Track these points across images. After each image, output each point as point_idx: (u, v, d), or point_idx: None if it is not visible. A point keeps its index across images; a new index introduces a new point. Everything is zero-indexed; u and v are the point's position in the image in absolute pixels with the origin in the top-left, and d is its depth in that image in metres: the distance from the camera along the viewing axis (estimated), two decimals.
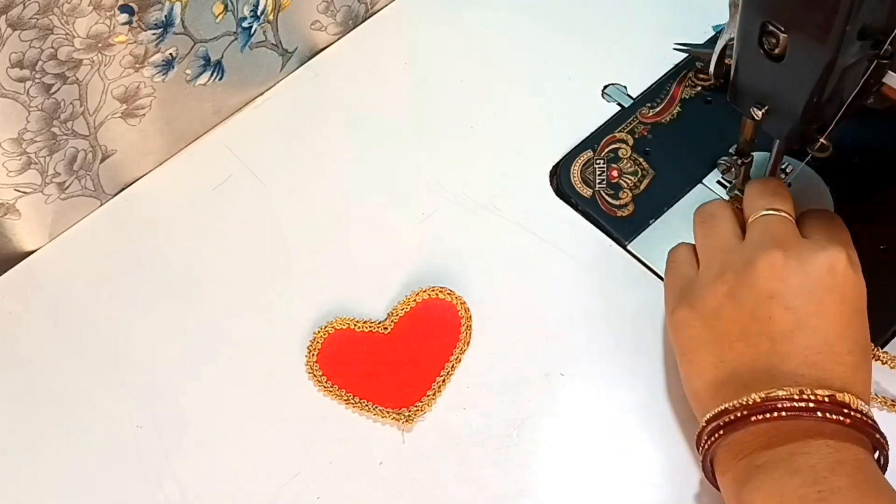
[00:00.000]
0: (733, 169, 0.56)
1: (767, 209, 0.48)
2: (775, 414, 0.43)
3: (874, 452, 0.44)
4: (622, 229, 0.58)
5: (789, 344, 0.44)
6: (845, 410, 0.42)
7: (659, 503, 0.50)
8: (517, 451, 0.52)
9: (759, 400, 0.43)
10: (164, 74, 0.59)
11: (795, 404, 0.42)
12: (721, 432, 0.44)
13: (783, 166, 0.55)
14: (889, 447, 0.44)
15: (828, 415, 0.42)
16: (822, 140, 0.49)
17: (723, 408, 0.44)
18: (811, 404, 0.42)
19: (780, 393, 0.43)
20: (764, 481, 0.42)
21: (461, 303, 0.56)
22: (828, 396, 0.42)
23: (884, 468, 0.44)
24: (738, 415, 0.43)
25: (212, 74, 0.62)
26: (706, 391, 0.46)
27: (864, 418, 0.43)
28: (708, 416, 0.45)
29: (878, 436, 0.43)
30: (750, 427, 0.43)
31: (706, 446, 0.45)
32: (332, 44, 0.69)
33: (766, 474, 0.42)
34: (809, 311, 0.45)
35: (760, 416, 0.43)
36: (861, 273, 0.46)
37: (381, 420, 0.53)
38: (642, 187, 0.60)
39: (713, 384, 0.46)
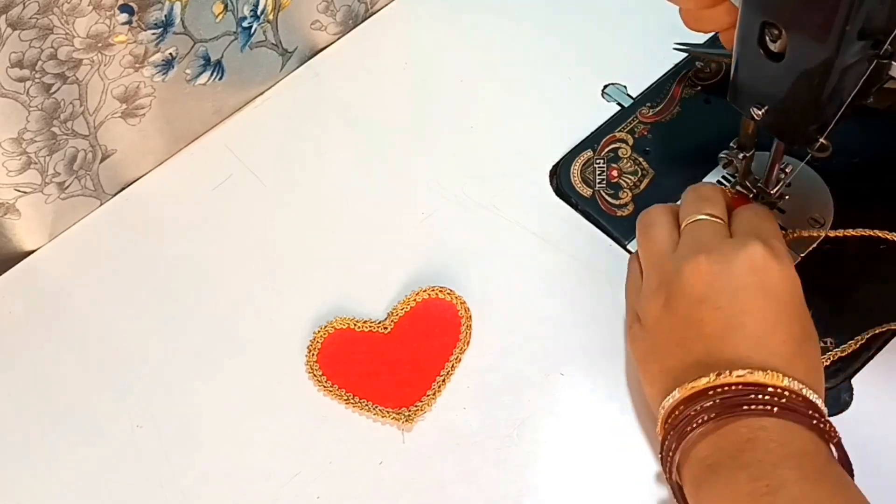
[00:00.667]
0: (734, 162, 0.56)
1: (698, 214, 0.49)
2: (707, 403, 0.43)
3: (827, 444, 0.43)
4: (622, 229, 0.58)
5: (722, 344, 0.45)
6: (769, 390, 0.43)
7: (659, 503, 0.50)
8: (517, 451, 0.52)
9: (686, 394, 0.44)
10: (164, 74, 0.59)
11: (718, 389, 0.43)
12: (669, 435, 0.45)
13: (783, 166, 0.55)
14: (837, 436, 0.43)
15: (753, 395, 0.43)
16: (821, 140, 0.49)
17: (662, 411, 0.45)
18: (735, 386, 0.43)
19: (702, 381, 0.44)
20: (716, 480, 0.43)
21: (461, 302, 0.56)
22: (744, 375, 0.43)
23: (842, 460, 0.44)
24: (677, 412, 0.44)
25: (212, 74, 0.62)
26: (657, 396, 0.47)
27: (798, 398, 0.43)
28: (662, 405, 0.46)
29: (820, 423, 0.43)
30: (696, 429, 0.44)
31: (666, 461, 0.45)
32: (332, 43, 0.69)
33: (716, 473, 0.43)
34: (736, 311, 0.45)
35: (695, 407, 0.43)
36: (788, 262, 0.47)
37: (381, 420, 0.53)
38: (642, 187, 0.60)
39: (661, 392, 0.47)
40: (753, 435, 0.43)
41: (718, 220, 0.49)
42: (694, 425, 0.44)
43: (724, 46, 0.50)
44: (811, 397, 0.43)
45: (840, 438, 0.44)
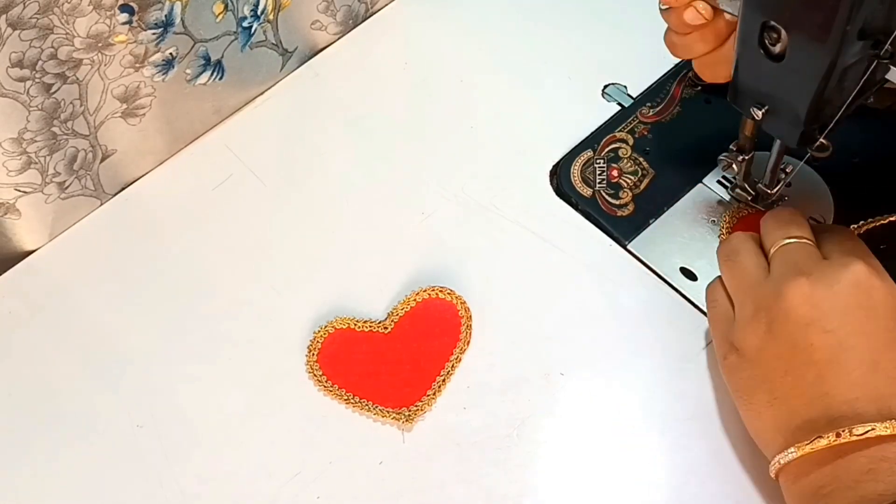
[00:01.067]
0: (734, 165, 0.56)
1: (786, 238, 0.48)
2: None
3: None
4: (622, 229, 0.58)
5: (835, 367, 0.44)
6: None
7: (659, 503, 0.50)
8: (517, 451, 0.52)
9: (827, 444, 0.43)
10: (164, 74, 0.59)
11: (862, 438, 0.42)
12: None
13: (783, 166, 0.55)
14: None
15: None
16: (822, 140, 0.49)
17: (775, 465, 0.45)
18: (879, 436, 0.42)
19: (822, 442, 0.43)
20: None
21: (461, 302, 0.56)
22: (867, 434, 0.42)
23: None
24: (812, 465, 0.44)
25: (212, 74, 0.62)
26: (767, 432, 0.46)
27: None
28: (778, 461, 0.45)
29: None
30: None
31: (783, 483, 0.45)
32: (332, 43, 0.69)
33: (833, 501, 0.42)
34: (848, 331, 0.44)
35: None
36: (888, 279, 0.46)
37: (381, 420, 0.53)
38: (642, 187, 0.60)
39: (772, 424, 0.46)
40: (875, 466, 0.42)
41: (809, 242, 0.48)
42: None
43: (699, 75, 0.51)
44: None
45: None
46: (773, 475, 0.46)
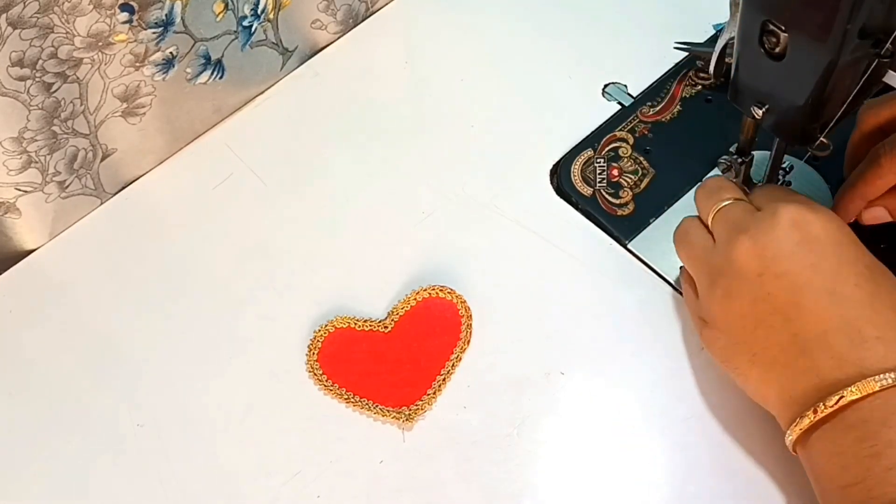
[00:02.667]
0: (733, 168, 0.56)
1: (720, 203, 0.49)
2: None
3: None
4: (622, 228, 0.58)
5: (797, 306, 0.45)
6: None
7: (659, 503, 0.50)
8: (517, 451, 0.52)
9: (829, 409, 0.43)
10: (164, 73, 0.59)
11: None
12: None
13: (783, 165, 0.55)
14: None
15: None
16: (822, 139, 0.49)
17: (799, 423, 0.45)
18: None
19: (850, 397, 0.43)
20: (823, 441, 0.43)
21: (461, 301, 0.56)
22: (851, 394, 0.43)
23: None
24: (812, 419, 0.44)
25: (212, 73, 0.62)
26: (759, 390, 0.47)
27: None
28: (789, 431, 0.45)
29: None
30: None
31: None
32: (332, 43, 0.69)
33: (823, 434, 0.43)
34: (798, 269, 0.45)
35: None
36: (823, 209, 0.47)
37: (381, 419, 0.53)
38: (642, 186, 0.60)
39: (761, 379, 0.47)
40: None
41: (739, 200, 0.49)
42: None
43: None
44: None
45: None
46: (791, 443, 0.46)
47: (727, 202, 0.49)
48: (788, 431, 0.45)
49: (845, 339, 0.44)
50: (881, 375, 0.42)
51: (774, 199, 0.48)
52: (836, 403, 0.43)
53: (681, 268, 0.54)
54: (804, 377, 0.44)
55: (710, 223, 0.50)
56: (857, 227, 0.56)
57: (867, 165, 0.52)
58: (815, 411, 0.43)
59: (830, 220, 0.46)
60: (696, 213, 0.52)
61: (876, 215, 0.53)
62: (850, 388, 0.42)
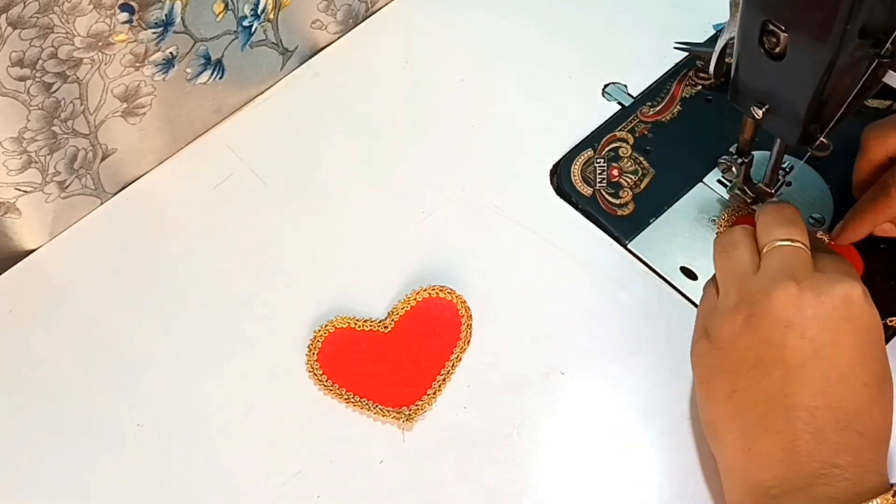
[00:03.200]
0: (733, 168, 0.56)
1: (783, 239, 0.48)
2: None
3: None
4: (622, 228, 0.58)
5: (804, 373, 0.44)
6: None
7: (659, 503, 0.50)
8: (517, 450, 0.52)
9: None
10: (164, 73, 0.59)
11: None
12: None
13: (784, 164, 0.55)
14: None
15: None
16: (822, 139, 0.49)
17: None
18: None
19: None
20: None
21: (461, 301, 0.56)
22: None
23: None
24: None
25: (212, 73, 0.62)
26: (721, 422, 0.47)
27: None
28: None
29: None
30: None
31: None
32: (332, 43, 0.69)
33: (783, 502, 0.43)
34: (825, 341, 0.45)
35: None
36: (875, 309, 0.46)
37: (381, 419, 0.53)
38: (642, 186, 0.60)
39: (728, 414, 0.46)
40: (826, 471, 0.42)
41: (804, 248, 0.48)
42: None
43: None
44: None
45: None
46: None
47: (794, 244, 0.48)
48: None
49: (832, 422, 0.43)
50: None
51: (839, 270, 0.48)
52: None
53: (711, 278, 0.53)
54: (774, 437, 0.44)
55: (764, 250, 0.49)
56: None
57: (877, 194, 0.52)
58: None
59: (877, 321, 0.46)
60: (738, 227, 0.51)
61: (883, 229, 0.54)
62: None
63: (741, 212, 0.58)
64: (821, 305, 0.45)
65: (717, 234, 0.57)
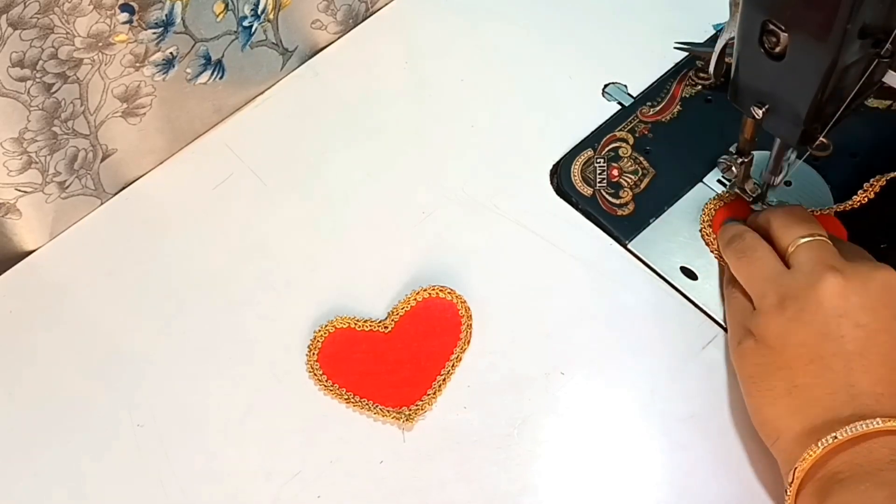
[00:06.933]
0: (733, 168, 0.56)
1: (804, 235, 0.49)
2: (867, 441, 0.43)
3: None
4: (622, 228, 0.58)
5: (864, 360, 0.45)
6: None
7: (659, 503, 0.50)
8: (517, 451, 0.52)
9: (848, 437, 0.43)
10: (164, 73, 0.59)
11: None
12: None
13: (786, 159, 0.55)
14: None
15: None
16: (821, 139, 0.49)
17: (816, 452, 0.44)
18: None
19: (870, 425, 0.43)
20: (849, 495, 0.42)
21: (461, 302, 0.56)
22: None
23: None
24: (829, 453, 0.44)
25: (212, 73, 0.62)
26: (781, 419, 0.46)
27: None
28: (803, 461, 0.44)
29: None
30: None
31: (796, 480, 0.45)
32: (332, 43, 0.69)
33: (848, 489, 0.42)
34: (877, 328, 0.45)
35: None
36: None
37: (381, 419, 0.53)
38: (643, 186, 0.60)
39: (788, 411, 0.46)
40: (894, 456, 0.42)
41: (828, 241, 0.49)
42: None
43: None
44: None
45: None
46: (794, 475, 0.45)
47: (818, 238, 0.49)
48: (805, 455, 0.44)
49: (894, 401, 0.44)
50: None
51: (867, 258, 0.48)
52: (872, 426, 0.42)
53: (727, 278, 0.54)
54: (843, 429, 0.44)
55: (790, 250, 0.49)
56: (858, 227, 0.56)
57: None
58: (844, 433, 0.43)
59: None
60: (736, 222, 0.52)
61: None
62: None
63: (722, 202, 0.57)
64: (866, 293, 0.46)
65: (700, 230, 0.57)
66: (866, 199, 0.56)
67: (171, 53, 0.59)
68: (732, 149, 0.56)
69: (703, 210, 0.58)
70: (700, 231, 0.57)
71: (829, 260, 0.47)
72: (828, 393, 0.45)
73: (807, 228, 0.50)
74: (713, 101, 0.63)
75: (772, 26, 0.44)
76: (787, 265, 0.49)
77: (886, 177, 0.56)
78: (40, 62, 0.53)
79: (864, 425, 0.43)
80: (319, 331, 0.55)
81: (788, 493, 0.45)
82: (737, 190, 0.58)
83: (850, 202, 0.56)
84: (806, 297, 0.46)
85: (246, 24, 0.62)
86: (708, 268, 0.56)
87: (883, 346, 0.45)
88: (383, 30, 0.70)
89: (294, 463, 0.52)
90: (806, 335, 0.46)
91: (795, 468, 0.44)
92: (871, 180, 0.56)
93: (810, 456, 0.44)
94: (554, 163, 0.62)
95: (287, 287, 0.58)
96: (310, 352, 0.55)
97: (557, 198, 0.61)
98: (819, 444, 0.44)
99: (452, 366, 0.54)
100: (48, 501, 0.53)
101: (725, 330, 0.54)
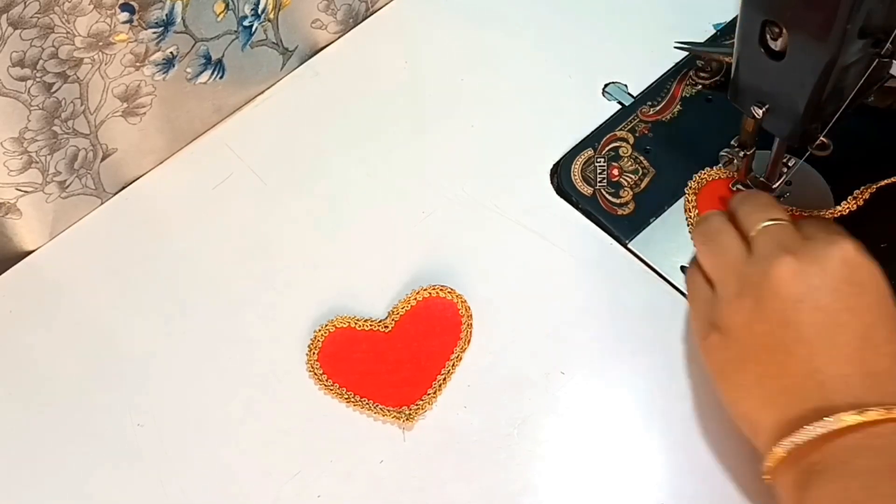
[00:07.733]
0: (735, 160, 0.56)
1: (767, 220, 0.48)
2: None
3: None
4: (623, 228, 0.58)
5: (827, 343, 0.44)
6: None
7: (659, 503, 0.50)
8: (517, 450, 0.52)
9: (823, 433, 0.43)
10: (164, 73, 0.59)
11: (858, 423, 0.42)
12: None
13: (785, 160, 0.55)
14: None
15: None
16: (822, 138, 0.49)
17: (791, 444, 0.44)
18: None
19: (816, 430, 0.43)
20: (830, 486, 0.42)
21: (462, 301, 0.56)
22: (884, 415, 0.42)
23: None
24: (806, 444, 0.43)
25: (212, 73, 0.62)
26: (756, 412, 0.46)
27: None
28: (777, 452, 0.44)
29: None
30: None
31: (774, 472, 0.45)
32: (332, 42, 0.69)
33: (828, 478, 0.42)
34: (838, 308, 0.44)
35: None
36: (871, 258, 0.46)
37: (381, 418, 0.53)
38: (643, 186, 0.60)
39: (761, 402, 0.46)
40: (869, 442, 0.42)
41: (788, 223, 0.48)
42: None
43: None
44: None
45: None
46: (769, 467, 0.45)
47: (779, 222, 0.48)
48: (778, 444, 0.44)
49: (866, 384, 0.43)
50: None
51: (827, 231, 0.47)
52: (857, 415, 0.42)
53: (688, 267, 0.53)
54: (816, 413, 0.43)
55: (752, 234, 0.48)
56: (858, 227, 0.56)
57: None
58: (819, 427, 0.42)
59: (877, 270, 0.45)
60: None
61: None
62: (867, 411, 0.42)
63: (708, 178, 0.57)
64: (824, 273, 0.45)
65: (685, 210, 0.57)
66: (855, 205, 0.56)
67: (171, 53, 0.59)
68: (734, 142, 0.56)
69: (692, 177, 0.58)
70: (685, 198, 0.57)
71: (786, 242, 0.46)
72: (795, 381, 0.44)
73: (767, 213, 0.49)
74: (713, 101, 0.63)
75: (772, 26, 0.44)
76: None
77: (877, 185, 0.56)
78: (40, 62, 0.53)
79: (821, 427, 0.42)
80: (320, 330, 0.55)
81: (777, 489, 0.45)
82: (739, 186, 0.58)
83: (840, 208, 0.56)
84: (764, 286, 0.46)
85: (246, 23, 0.62)
86: None
87: (846, 325, 0.44)
88: (383, 30, 0.70)
89: (294, 462, 0.52)
90: (768, 324, 0.45)
91: (764, 469, 0.44)
92: (862, 188, 0.56)
93: (774, 457, 0.44)
94: (554, 162, 0.62)
95: (287, 287, 0.58)
96: (310, 351, 0.55)
97: (558, 197, 0.61)
98: (781, 444, 0.44)
99: (452, 365, 0.54)
100: (48, 501, 0.53)
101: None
